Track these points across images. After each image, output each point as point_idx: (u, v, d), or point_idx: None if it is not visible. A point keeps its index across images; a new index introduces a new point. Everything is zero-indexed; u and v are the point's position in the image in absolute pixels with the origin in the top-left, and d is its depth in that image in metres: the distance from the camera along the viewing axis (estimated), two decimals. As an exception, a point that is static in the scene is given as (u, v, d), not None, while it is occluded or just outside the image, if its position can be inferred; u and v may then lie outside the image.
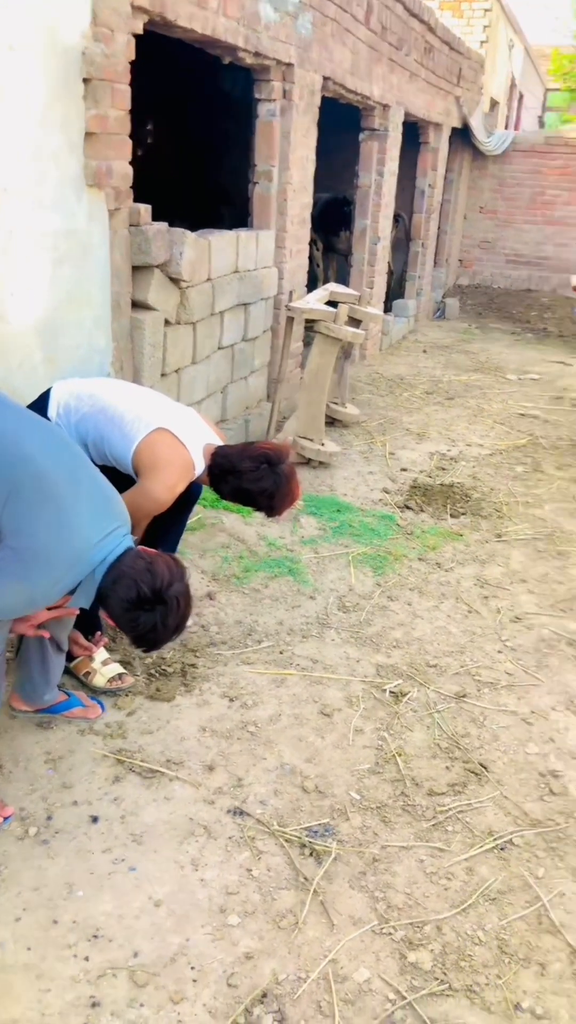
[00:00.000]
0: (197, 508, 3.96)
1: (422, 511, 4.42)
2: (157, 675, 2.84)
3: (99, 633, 2.75)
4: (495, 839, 2.29)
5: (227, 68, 5.05)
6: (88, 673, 2.75)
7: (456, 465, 5.16)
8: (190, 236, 3.88)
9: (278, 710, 2.73)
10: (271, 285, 5.16)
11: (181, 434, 2.60)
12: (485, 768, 2.54)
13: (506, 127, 13.97)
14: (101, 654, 2.80)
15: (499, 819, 2.36)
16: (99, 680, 2.73)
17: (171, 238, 3.76)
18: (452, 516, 4.38)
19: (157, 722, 2.62)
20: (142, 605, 1.98)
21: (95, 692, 2.71)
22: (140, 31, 3.41)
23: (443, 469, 5.07)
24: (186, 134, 10.10)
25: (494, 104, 12.78)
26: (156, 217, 3.68)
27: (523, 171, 11.13)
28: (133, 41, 3.34)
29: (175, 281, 3.89)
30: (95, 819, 2.22)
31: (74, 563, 1.97)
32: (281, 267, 5.26)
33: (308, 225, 5.64)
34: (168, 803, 2.30)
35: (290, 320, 4.87)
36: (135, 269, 3.61)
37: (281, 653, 3.05)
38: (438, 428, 5.93)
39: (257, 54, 4.46)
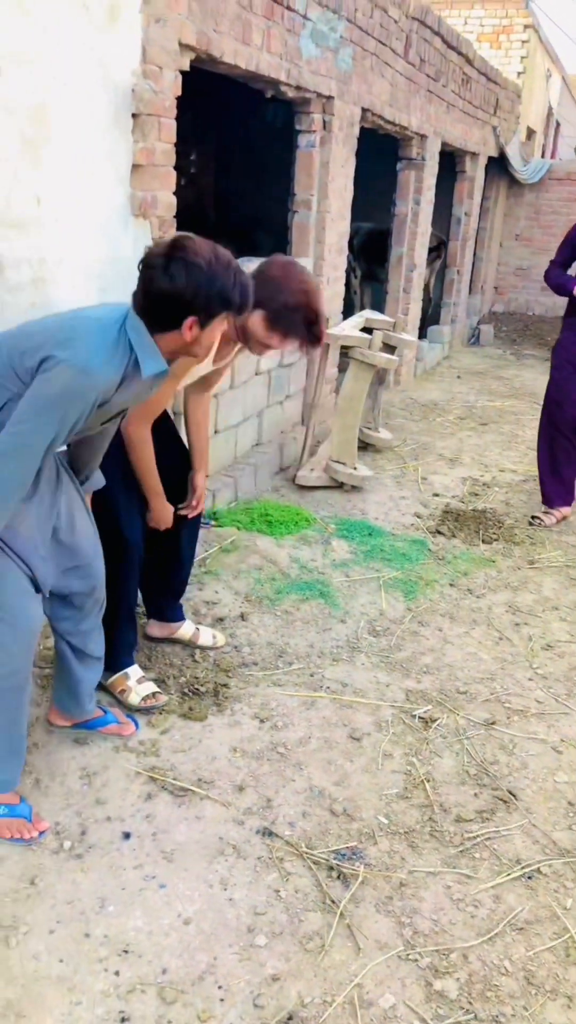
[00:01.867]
0: (232, 531, 4.03)
1: (454, 536, 4.44)
2: (190, 694, 2.89)
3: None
4: (523, 867, 2.29)
5: (268, 99, 5.18)
6: (123, 691, 2.81)
7: (489, 491, 5.16)
8: (230, 264, 3.96)
9: (308, 732, 2.76)
10: (307, 311, 5.23)
11: None
12: (514, 796, 2.54)
13: (543, 156, 14.03)
14: (136, 672, 2.85)
15: (527, 847, 2.36)
16: (134, 698, 2.78)
17: (211, 266, 3.84)
18: (484, 542, 4.39)
19: (189, 741, 2.66)
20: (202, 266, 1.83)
21: (130, 710, 2.76)
22: (187, 68, 3.52)
23: (476, 495, 5.08)
24: (225, 162, 10.30)
25: (531, 133, 12.85)
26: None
27: (559, 199, 11.15)
28: (180, 77, 3.45)
29: (214, 307, 3.97)
30: (127, 835, 2.26)
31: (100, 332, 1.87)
32: (317, 294, 5.33)
33: (345, 253, 5.73)
34: (199, 822, 2.34)
35: (326, 346, 4.93)
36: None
37: (311, 676, 3.08)
38: (471, 454, 5.95)
39: (299, 88, 4.57)
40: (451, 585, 3.89)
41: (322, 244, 5.26)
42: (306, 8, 4.42)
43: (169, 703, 2.82)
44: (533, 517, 4.64)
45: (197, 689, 2.91)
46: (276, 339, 2.46)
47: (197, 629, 3.16)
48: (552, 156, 15.66)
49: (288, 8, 4.24)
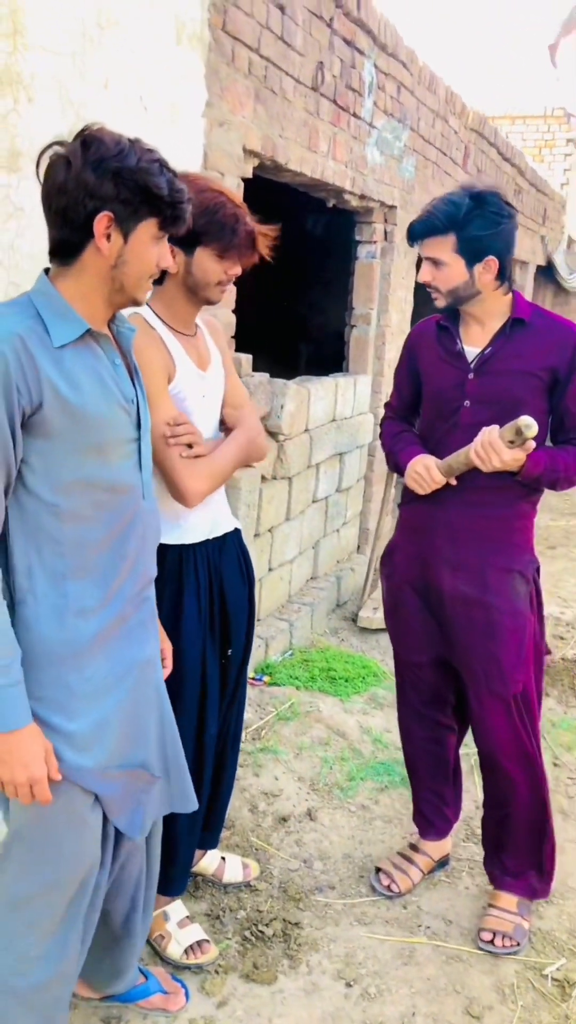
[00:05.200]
0: (289, 691, 3.43)
1: (546, 696, 3.80)
2: (252, 939, 2.24)
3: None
4: None
5: (309, 208, 4.87)
6: (161, 937, 2.17)
7: (574, 632, 4.54)
8: (292, 387, 3.52)
9: (411, 1005, 2.09)
10: (367, 432, 4.77)
11: None
12: None
13: (582, 264, 13.90)
14: (178, 910, 2.21)
15: None
16: (174, 949, 2.14)
17: (272, 390, 3.40)
18: (582, 703, 3.75)
19: (256, 1019, 2.00)
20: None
21: (173, 966, 2.12)
22: (249, 175, 3.16)
23: (561, 639, 4.45)
24: (265, 272, 10.18)
25: (571, 243, 12.76)
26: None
27: (606, 307, 10.88)
28: (242, 185, 3.07)
29: (273, 435, 3.51)
30: None
31: None
32: (376, 413, 4.89)
33: (404, 367, 5.30)
34: None
35: (392, 473, 4.43)
36: (232, 424, 3.23)
37: (405, 907, 2.42)
38: (545, 586, 5.33)
39: (363, 196, 4.23)
40: (555, 764, 3.23)
41: (382, 360, 4.85)
42: (372, 116, 4.12)
43: (227, 951, 2.18)
44: None
45: (261, 932, 2.26)
46: (228, 263, 1.89)
47: (223, 860, 2.45)
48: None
49: (355, 116, 3.93)
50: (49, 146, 1.38)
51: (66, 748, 1.45)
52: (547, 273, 9.87)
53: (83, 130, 1.38)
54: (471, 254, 2.00)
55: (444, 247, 2.01)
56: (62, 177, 1.36)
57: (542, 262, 9.31)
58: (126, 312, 1.59)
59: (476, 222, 1.97)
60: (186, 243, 1.85)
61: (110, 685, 1.51)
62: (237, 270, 1.93)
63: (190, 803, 1.74)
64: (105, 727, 1.50)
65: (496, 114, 10.29)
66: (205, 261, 1.89)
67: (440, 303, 2.11)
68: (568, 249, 11.19)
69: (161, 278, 1.92)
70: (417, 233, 2.04)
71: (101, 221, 1.37)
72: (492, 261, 2.01)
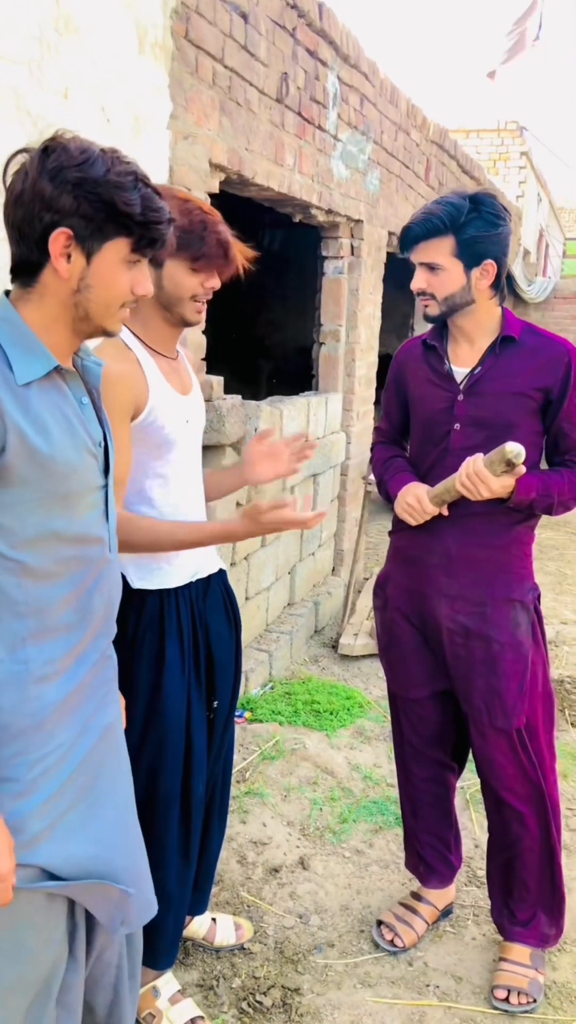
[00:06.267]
0: (273, 728, 3.27)
1: (536, 719, 3.68)
2: (251, 1010, 2.06)
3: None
4: None
5: (266, 224, 4.76)
6: (151, 1016, 1.98)
7: (559, 651, 4.44)
8: (265, 408, 3.38)
9: (426, 1077, 1.93)
10: (339, 451, 4.65)
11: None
12: None
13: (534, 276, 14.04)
14: (168, 984, 2.03)
15: None
16: (166, 1031, 1.96)
17: (245, 412, 3.25)
18: (574, 725, 3.64)
19: None
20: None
21: (167, 1048, 1.94)
22: (216, 190, 3.02)
23: (545, 658, 4.35)
24: (223, 288, 10.04)
25: (526, 254, 12.88)
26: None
27: (566, 317, 10.95)
28: (209, 200, 2.93)
29: (248, 459, 3.35)
30: None
31: None
32: (348, 431, 4.77)
33: (374, 384, 5.20)
34: None
35: (368, 492, 4.31)
36: (205, 448, 3.08)
37: (410, 964, 2.26)
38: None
39: (329, 211, 4.12)
40: (551, 794, 3.11)
41: (352, 377, 4.73)
42: (337, 129, 4.02)
43: (223, 1027, 2.00)
44: None
45: (259, 1002, 2.09)
46: (203, 275, 1.75)
47: (213, 921, 2.27)
48: (543, 275, 15.77)
49: (319, 128, 3.82)
50: (17, 153, 1.22)
51: (21, 836, 1.27)
52: (506, 283, 9.91)
53: (52, 137, 1.22)
54: (470, 258, 1.90)
55: (442, 250, 1.90)
56: (19, 187, 1.20)
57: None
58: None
59: (475, 223, 1.88)
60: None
61: (73, 759, 1.34)
62: (214, 283, 1.78)
63: (151, 909, 1.55)
64: (61, 809, 1.33)
65: (451, 127, 10.33)
66: (176, 274, 1.73)
67: (432, 311, 1.99)
68: (524, 260, 11.27)
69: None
70: (417, 235, 1.93)
71: (57, 239, 1.20)
72: (490, 265, 1.91)
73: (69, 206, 1.18)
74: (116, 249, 1.23)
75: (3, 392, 1.19)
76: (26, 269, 1.23)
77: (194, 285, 1.75)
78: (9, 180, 1.21)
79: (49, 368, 1.24)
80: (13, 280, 1.26)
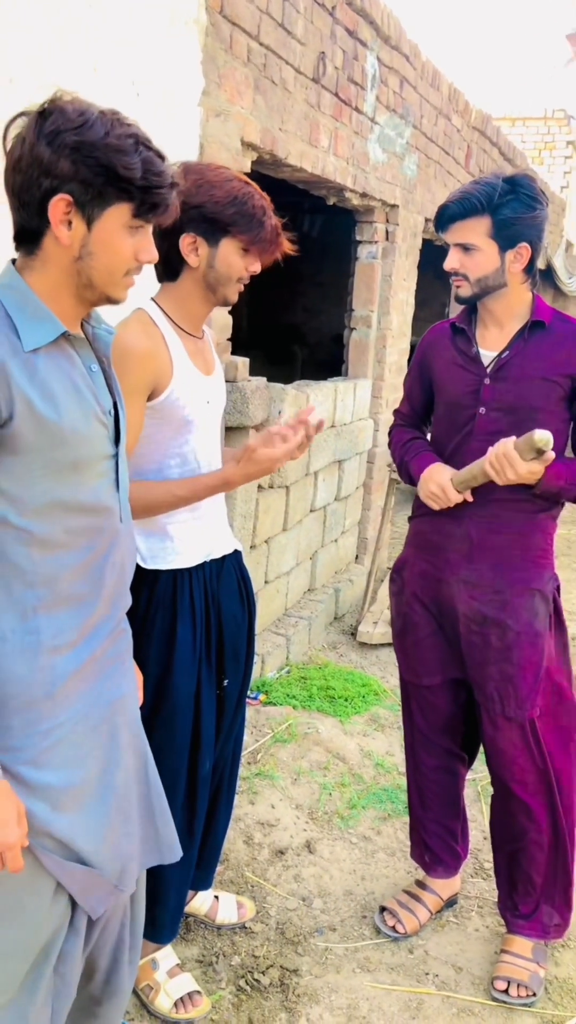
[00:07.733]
0: (286, 711, 3.27)
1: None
2: (248, 988, 2.07)
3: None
4: None
5: (304, 208, 4.71)
6: (148, 987, 2.00)
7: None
8: (290, 392, 3.36)
9: (420, 1064, 1.93)
10: (366, 439, 4.62)
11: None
12: None
13: (580, 268, 13.78)
14: (167, 958, 2.04)
15: None
16: (162, 1002, 1.97)
17: (270, 394, 3.24)
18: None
19: None
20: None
21: (161, 1020, 1.95)
22: (248, 169, 3.00)
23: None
24: (260, 274, 10.01)
25: (569, 246, 12.65)
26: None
27: (606, 312, 10.76)
28: (240, 179, 2.92)
29: (271, 442, 3.34)
30: None
31: None
32: (376, 418, 4.74)
33: (404, 372, 5.16)
34: None
35: (394, 480, 4.28)
36: (228, 430, 3.07)
37: (411, 952, 2.25)
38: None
39: (364, 195, 4.08)
40: (565, 790, 3.07)
41: (382, 364, 4.69)
42: (375, 111, 3.97)
43: (220, 1003, 2.01)
44: None
45: (257, 981, 2.09)
46: (251, 258, 1.74)
47: (216, 899, 2.27)
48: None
49: (356, 110, 3.78)
50: (17, 116, 1.21)
51: (38, 804, 1.28)
52: (546, 276, 9.73)
53: (50, 99, 1.20)
54: (505, 239, 1.87)
55: (477, 231, 1.87)
56: (18, 152, 1.19)
57: (542, 265, 9.19)
58: (131, 307, 1.41)
59: (511, 204, 1.85)
60: (211, 233, 1.69)
61: (85, 730, 1.35)
62: (257, 267, 1.78)
63: (175, 852, 1.58)
64: (78, 781, 1.33)
65: (495, 115, 10.17)
66: (230, 254, 1.73)
67: (464, 292, 1.96)
68: (567, 252, 11.07)
69: (176, 273, 1.76)
70: (453, 214, 1.90)
71: (57, 205, 1.18)
72: (525, 248, 1.89)
73: (67, 171, 1.16)
74: (117, 215, 1.21)
75: (10, 359, 1.18)
76: (28, 236, 1.23)
77: (241, 267, 1.75)
78: (9, 145, 1.20)
79: (56, 334, 1.23)
80: (17, 248, 1.26)
